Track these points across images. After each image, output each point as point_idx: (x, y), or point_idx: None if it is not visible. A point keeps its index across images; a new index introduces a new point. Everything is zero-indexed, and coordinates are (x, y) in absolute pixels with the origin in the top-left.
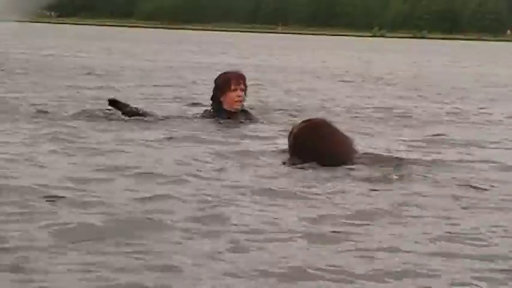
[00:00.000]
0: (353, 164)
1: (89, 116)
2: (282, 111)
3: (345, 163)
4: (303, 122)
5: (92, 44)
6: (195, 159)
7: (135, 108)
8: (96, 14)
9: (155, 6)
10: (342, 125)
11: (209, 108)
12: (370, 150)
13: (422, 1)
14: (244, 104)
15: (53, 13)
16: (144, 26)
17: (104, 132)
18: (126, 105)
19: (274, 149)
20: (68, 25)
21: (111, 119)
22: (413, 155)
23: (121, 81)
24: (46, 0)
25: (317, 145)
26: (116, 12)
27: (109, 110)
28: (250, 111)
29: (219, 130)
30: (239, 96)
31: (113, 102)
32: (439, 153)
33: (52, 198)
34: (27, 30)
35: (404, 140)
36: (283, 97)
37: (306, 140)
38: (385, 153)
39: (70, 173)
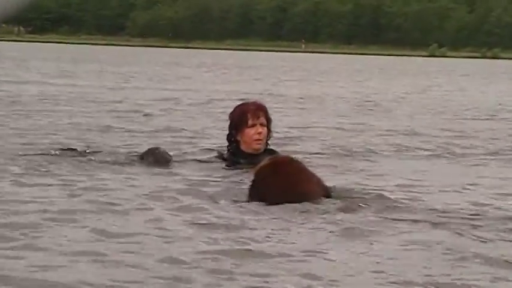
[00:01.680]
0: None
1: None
2: (331, 155)
3: (305, 201)
4: (266, 160)
5: (87, 68)
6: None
7: None
8: (79, 29)
9: (151, 18)
10: None
11: (224, 150)
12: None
13: (492, 11)
14: (269, 142)
15: (21, 28)
16: (140, 44)
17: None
18: None
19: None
20: (43, 43)
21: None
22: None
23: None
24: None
25: (276, 184)
26: (104, 27)
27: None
28: (278, 152)
29: (224, 182)
30: (259, 133)
31: None
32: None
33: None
34: None
35: None
36: (339, 138)
37: (265, 178)
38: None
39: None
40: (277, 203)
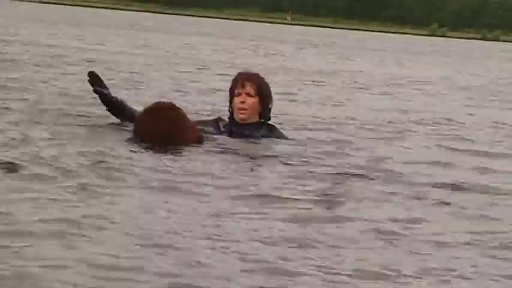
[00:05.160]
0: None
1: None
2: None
3: (177, 146)
4: (151, 103)
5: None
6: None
7: (116, 98)
8: None
9: None
10: None
11: (224, 115)
12: None
13: None
14: (257, 115)
15: None
16: (140, 9)
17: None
18: (107, 89)
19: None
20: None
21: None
22: None
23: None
24: None
25: (154, 127)
26: None
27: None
28: (277, 126)
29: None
30: (241, 102)
31: (93, 77)
32: None
33: None
34: None
35: None
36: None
37: (145, 120)
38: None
39: None
40: (154, 144)
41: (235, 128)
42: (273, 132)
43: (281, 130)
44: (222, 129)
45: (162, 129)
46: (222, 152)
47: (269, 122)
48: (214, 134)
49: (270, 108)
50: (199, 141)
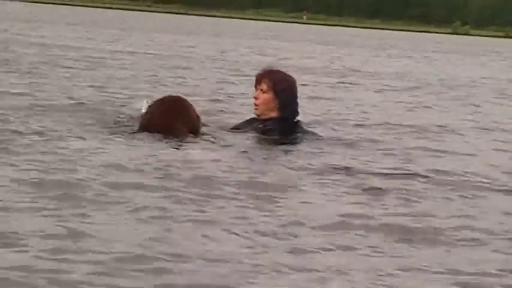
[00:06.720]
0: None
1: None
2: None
3: (177, 137)
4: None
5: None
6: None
7: None
8: None
9: None
10: None
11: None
12: None
13: None
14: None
15: None
16: (163, 11)
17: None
18: None
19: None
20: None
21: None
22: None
23: None
24: None
25: (158, 117)
26: None
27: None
28: (302, 123)
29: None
30: (254, 98)
31: None
32: None
33: None
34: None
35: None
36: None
37: (150, 109)
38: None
39: None
40: (149, 131)
41: (257, 123)
42: (295, 128)
43: (306, 127)
44: (253, 125)
45: (162, 119)
46: (215, 146)
47: (296, 118)
48: (242, 130)
49: (294, 104)
50: (194, 133)
